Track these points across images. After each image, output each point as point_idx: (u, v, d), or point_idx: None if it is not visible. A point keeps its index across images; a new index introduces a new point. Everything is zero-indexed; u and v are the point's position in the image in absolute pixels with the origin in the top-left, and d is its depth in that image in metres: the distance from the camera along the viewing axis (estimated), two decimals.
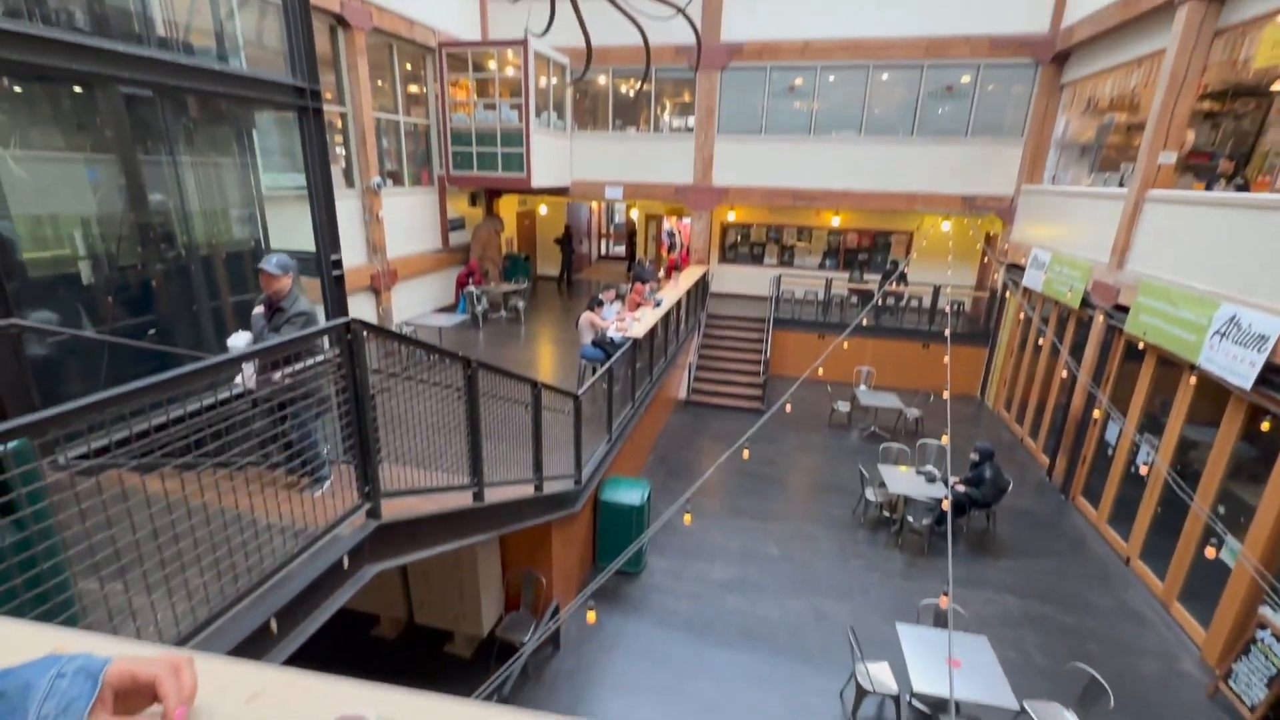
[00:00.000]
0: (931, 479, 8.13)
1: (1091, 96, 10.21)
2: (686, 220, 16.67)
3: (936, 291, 13.11)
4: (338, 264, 4.88)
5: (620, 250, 22.52)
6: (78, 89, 3.94)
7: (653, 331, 8.79)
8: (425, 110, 12.30)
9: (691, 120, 13.52)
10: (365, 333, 2.80)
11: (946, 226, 14.11)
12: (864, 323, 11.88)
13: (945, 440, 6.40)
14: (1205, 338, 6.17)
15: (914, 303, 14.08)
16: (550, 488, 5.67)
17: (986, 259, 13.79)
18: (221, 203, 4.89)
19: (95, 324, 3.96)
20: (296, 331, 3.12)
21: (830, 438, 11.30)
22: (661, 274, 15.44)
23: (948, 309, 12.40)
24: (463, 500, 4.28)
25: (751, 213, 15.36)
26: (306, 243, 4.87)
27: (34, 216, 3.90)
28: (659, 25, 6.30)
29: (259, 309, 3.88)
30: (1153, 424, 7.51)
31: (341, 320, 2.67)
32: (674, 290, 10.97)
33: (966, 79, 12.14)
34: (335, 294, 4.90)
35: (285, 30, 4.37)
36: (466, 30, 12.77)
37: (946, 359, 7.82)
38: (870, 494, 8.39)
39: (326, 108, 5.67)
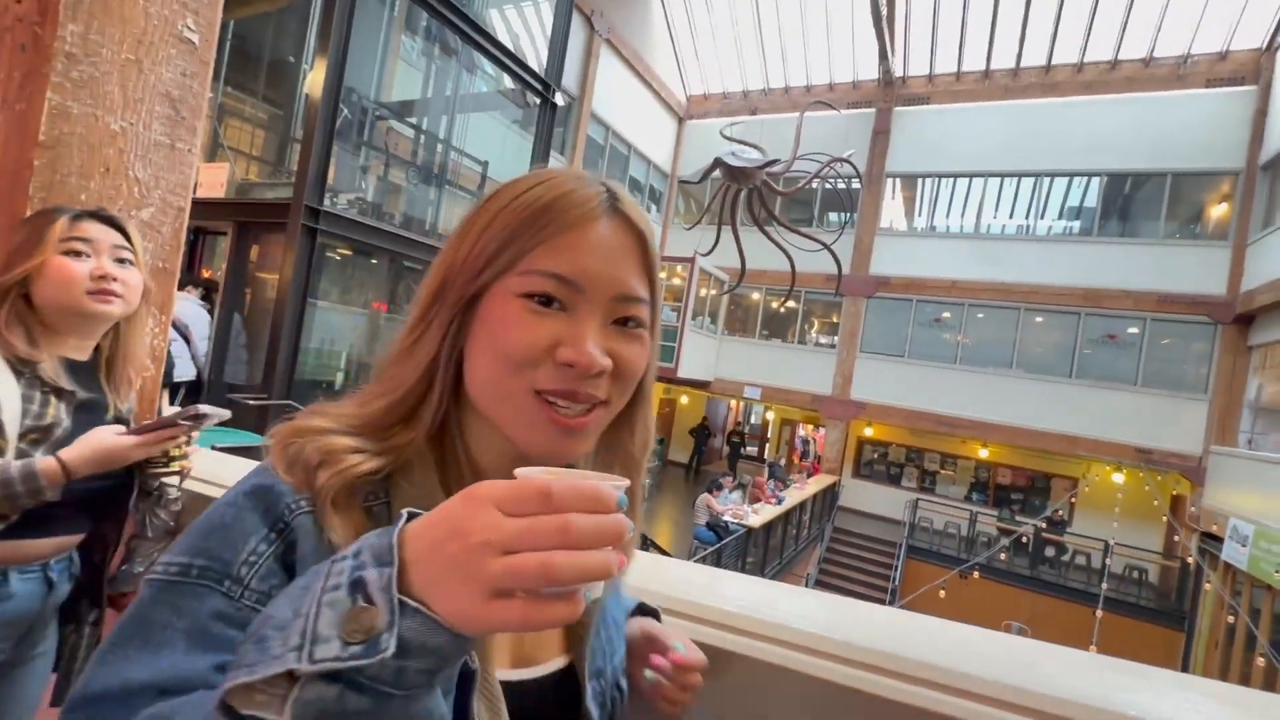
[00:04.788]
0: None
1: None
2: (822, 430, 16.77)
3: (1107, 548, 11.43)
4: None
5: (753, 450, 22.39)
6: (373, 261, 5.67)
7: (769, 527, 8.72)
8: None
9: (836, 339, 14.37)
10: None
11: (1119, 478, 12.70)
12: (1003, 558, 10.56)
13: None
14: None
15: (1079, 559, 12.32)
16: None
17: (1169, 521, 11.97)
18: None
19: None
20: None
21: None
22: (794, 479, 15.29)
23: (1111, 572, 10.69)
24: None
25: (891, 431, 15.11)
26: None
27: (318, 349, 5.38)
28: (809, 255, 7.37)
29: None
30: None
31: None
32: (799, 492, 10.89)
33: (1134, 330, 11.85)
34: None
35: None
36: None
37: (1097, 613, 6.76)
38: None
39: None
